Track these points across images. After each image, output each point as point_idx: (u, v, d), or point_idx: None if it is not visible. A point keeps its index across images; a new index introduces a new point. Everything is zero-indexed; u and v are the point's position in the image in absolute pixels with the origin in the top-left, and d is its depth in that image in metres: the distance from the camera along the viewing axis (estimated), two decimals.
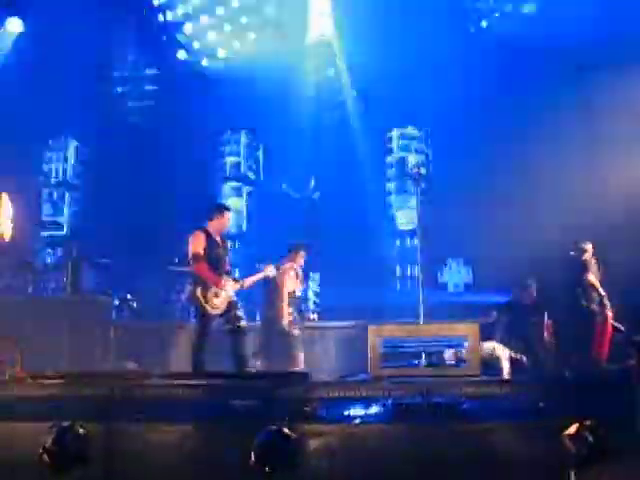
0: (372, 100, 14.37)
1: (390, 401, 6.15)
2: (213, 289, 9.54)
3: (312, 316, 12.80)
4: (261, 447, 5.26)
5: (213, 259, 9.62)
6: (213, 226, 9.80)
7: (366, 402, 6.16)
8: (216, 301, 9.57)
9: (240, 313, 9.70)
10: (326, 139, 14.46)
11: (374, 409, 6.09)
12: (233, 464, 5.51)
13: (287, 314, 10.82)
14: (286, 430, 5.43)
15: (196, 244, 9.59)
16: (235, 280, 9.89)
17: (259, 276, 10.37)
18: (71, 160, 16.06)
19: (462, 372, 6.93)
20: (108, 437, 6.19)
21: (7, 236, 10.27)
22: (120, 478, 6.09)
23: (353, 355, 10.83)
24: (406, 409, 6.07)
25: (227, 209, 10.15)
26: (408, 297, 11.06)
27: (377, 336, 7.15)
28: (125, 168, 14.25)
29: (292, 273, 10.98)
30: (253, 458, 5.18)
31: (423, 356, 7.16)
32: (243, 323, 9.69)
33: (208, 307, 9.56)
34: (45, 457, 5.34)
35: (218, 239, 9.80)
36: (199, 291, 9.55)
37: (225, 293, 9.60)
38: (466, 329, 7.44)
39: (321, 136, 14.57)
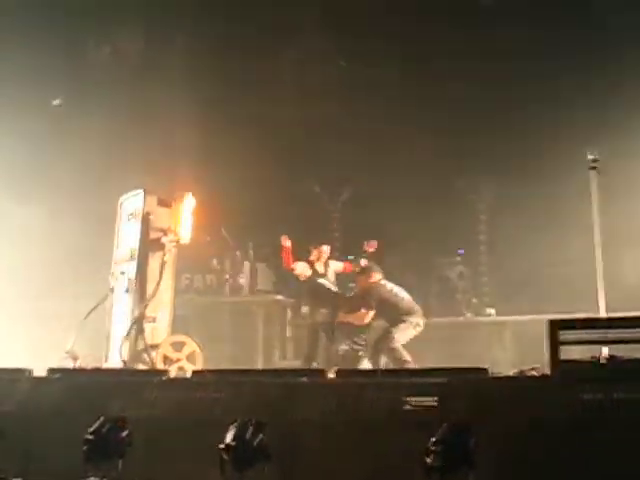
0: None
1: (569, 397, 5.93)
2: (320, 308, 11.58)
3: None
4: (439, 444, 5.15)
5: None
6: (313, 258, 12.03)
7: (545, 396, 5.97)
8: (320, 318, 11.57)
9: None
10: None
11: (553, 404, 5.90)
12: (408, 462, 5.45)
13: None
14: (462, 427, 5.31)
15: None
16: None
17: None
18: None
19: None
20: (289, 434, 6.28)
21: (185, 240, 10.59)
22: (300, 475, 6.16)
23: (531, 349, 10.58)
24: (587, 406, 5.84)
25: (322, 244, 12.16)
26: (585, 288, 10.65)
27: (555, 329, 6.90)
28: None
29: None
30: (430, 458, 5.08)
31: (605, 350, 6.86)
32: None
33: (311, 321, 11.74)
34: (225, 454, 5.43)
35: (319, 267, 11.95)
36: (308, 308, 11.94)
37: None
38: None
39: None
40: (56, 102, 15.37)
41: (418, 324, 11.00)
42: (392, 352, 10.73)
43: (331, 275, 11.95)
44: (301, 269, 11.88)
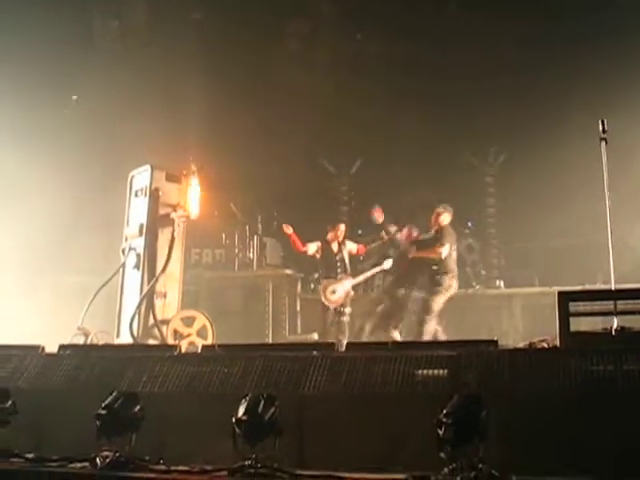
0: None
1: (579, 368, 5.93)
2: (331, 287, 11.82)
3: None
4: (450, 416, 5.15)
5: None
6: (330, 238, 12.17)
7: (556, 367, 5.97)
8: (332, 297, 11.81)
9: (346, 310, 11.89)
10: None
11: (563, 376, 5.90)
12: (420, 434, 5.47)
13: None
14: (473, 399, 5.31)
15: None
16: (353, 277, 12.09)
17: (375, 271, 12.38)
18: None
19: None
20: (300, 407, 6.30)
21: (194, 216, 10.61)
22: (311, 448, 6.18)
23: (541, 321, 10.61)
24: (597, 377, 5.84)
25: (339, 223, 12.43)
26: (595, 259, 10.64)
27: (565, 301, 6.89)
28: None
29: None
30: (442, 430, 5.09)
31: (615, 321, 6.85)
32: (345, 318, 11.85)
33: (325, 300, 11.81)
34: (237, 427, 5.46)
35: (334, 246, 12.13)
36: (322, 286, 11.98)
37: (344, 289, 11.86)
38: None
39: None
40: (74, 98, 15.44)
41: (451, 286, 11.06)
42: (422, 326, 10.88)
43: (345, 254, 12.03)
44: (314, 250, 12.11)
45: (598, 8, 13.07)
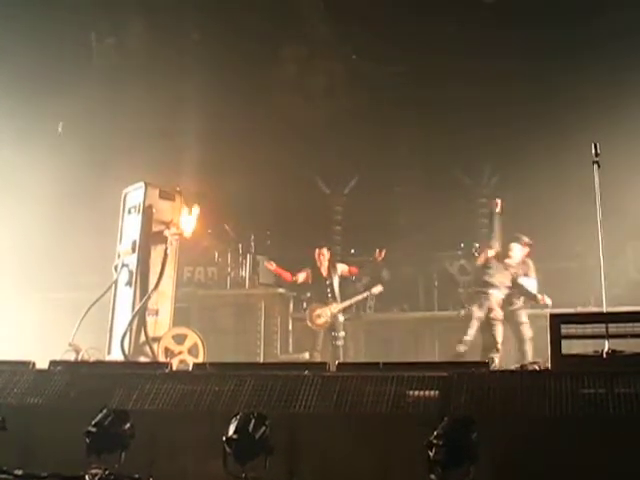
0: None
1: (570, 391, 5.92)
2: (317, 311, 11.88)
3: None
4: (441, 438, 5.13)
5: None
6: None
7: (547, 390, 5.97)
8: (318, 321, 11.89)
9: (340, 334, 11.89)
10: None
11: (554, 398, 5.90)
12: (410, 455, 5.45)
13: None
14: (464, 421, 5.30)
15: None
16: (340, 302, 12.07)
17: (363, 296, 12.45)
18: None
19: None
20: (290, 426, 6.28)
21: (187, 233, 10.60)
22: (302, 467, 6.16)
23: (533, 343, 10.64)
24: (588, 400, 5.84)
25: (322, 247, 12.32)
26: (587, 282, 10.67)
27: (558, 323, 6.90)
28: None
29: None
30: (433, 451, 5.07)
31: (607, 344, 6.85)
32: (339, 342, 11.89)
33: (310, 324, 11.94)
34: (227, 446, 5.43)
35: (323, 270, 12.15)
36: (308, 310, 12.13)
37: (330, 313, 11.88)
38: None
39: None
40: (59, 129, 15.47)
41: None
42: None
43: (335, 279, 12.02)
44: (303, 278, 12.28)
45: (594, 30, 13.16)
